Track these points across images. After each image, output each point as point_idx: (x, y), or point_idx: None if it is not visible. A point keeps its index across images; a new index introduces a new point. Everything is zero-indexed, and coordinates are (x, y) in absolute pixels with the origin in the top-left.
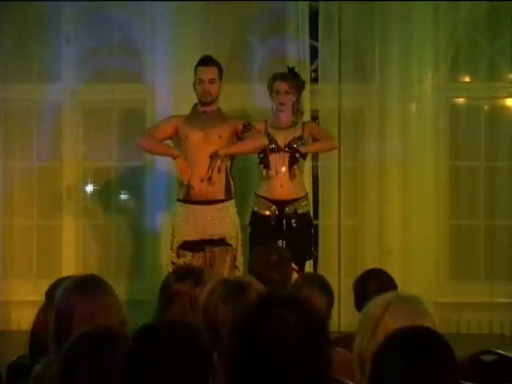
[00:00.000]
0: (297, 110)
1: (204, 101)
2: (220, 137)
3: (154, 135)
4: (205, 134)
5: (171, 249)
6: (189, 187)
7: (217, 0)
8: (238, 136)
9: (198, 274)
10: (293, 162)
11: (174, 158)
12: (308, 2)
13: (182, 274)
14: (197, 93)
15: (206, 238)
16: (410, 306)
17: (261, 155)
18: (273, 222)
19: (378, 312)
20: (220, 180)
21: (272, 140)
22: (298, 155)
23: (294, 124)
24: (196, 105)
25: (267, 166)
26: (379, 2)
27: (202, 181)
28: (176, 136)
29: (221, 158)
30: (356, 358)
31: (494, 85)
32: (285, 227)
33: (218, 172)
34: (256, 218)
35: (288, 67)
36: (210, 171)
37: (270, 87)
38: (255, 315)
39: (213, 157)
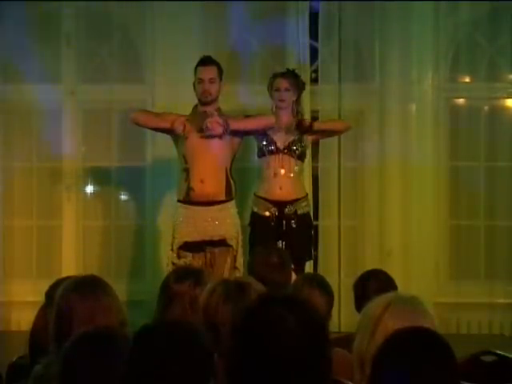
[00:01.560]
0: (296, 112)
1: (204, 100)
2: (220, 137)
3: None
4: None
5: (171, 249)
6: (189, 188)
7: (217, 0)
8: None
9: (197, 275)
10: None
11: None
12: (308, 3)
13: (182, 274)
14: (197, 93)
15: (207, 238)
16: (410, 306)
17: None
18: (272, 223)
19: (378, 312)
20: (220, 177)
21: (271, 141)
22: (305, 122)
23: (293, 124)
24: (196, 106)
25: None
26: (379, 2)
27: (202, 182)
28: (175, 134)
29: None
30: (356, 358)
31: (494, 85)
32: (284, 228)
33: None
34: (256, 218)
35: (288, 69)
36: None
37: (270, 85)
38: (255, 316)
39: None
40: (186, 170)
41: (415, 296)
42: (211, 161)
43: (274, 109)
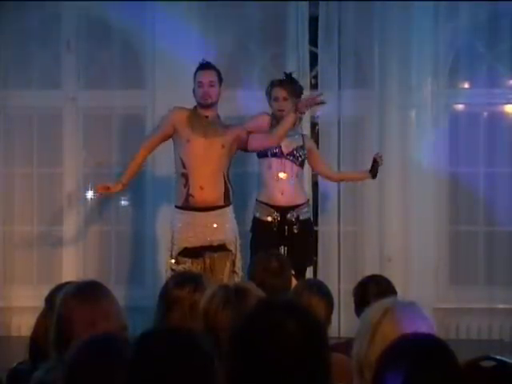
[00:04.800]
0: None
1: (204, 103)
2: (223, 146)
3: (146, 144)
4: (208, 142)
5: (170, 255)
6: (188, 195)
7: (218, 0)
8: (243, 141)
9: (197, 280)
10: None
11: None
12: (308, 9)
13: (182, 279)
14: (196, 96)
15: (206, 244)
16: (408, 311)
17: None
18: (275, 229)
19: (377, 318)
20: (220, 183)
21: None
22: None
23: (294, 130)
24: (196, 108)
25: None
26: (378, 8)
27: (201, 188)
28: (175, 132)
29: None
30: (355, 363)
31: (494, 91)
32: (287, 233)
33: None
34: (257, 224)
35: (285, 73)
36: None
37: (269, 94)
38: (255, 321)
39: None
40: (185, 176)
41: (414, 301)
42: (211, 168)
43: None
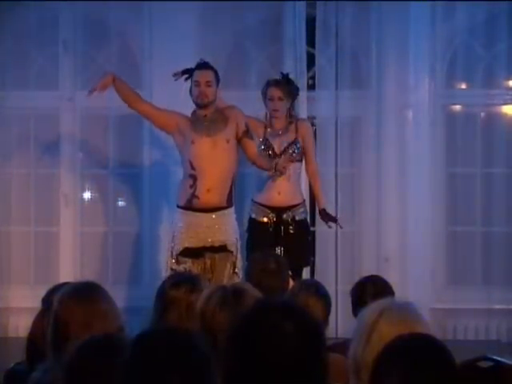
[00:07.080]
0: (290, 117)
1: (200, 103)
2: (228, 141)
3: (150, 106)
4: (212, 140)
5: (171, 255)
6: (193, 196)
7: (215, 0)
8: (238, 136)
9: (194, 281)
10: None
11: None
12: (305, 9)
13: (178, 280)
14: (193, 96)
15: (208, 245)
16: (405, 312)
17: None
18: (270, 229)
19: (373, 319)
20: (227, 186)
21: (269, 146)
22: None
23: (287, 128)
24: (195, 111)
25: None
26: (376, 8)
27: (208, 191)
28: (178, 133)
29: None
30: (351, 364)
31: (491, 92)
32: (283, 234)
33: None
34: (253, 224)
35: (282, 73)
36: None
37: (264, 93)
38: (252, 322)
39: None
40: (193, 177)
41: (410, 302)
42: (220, 168)
43: (268, 116)
